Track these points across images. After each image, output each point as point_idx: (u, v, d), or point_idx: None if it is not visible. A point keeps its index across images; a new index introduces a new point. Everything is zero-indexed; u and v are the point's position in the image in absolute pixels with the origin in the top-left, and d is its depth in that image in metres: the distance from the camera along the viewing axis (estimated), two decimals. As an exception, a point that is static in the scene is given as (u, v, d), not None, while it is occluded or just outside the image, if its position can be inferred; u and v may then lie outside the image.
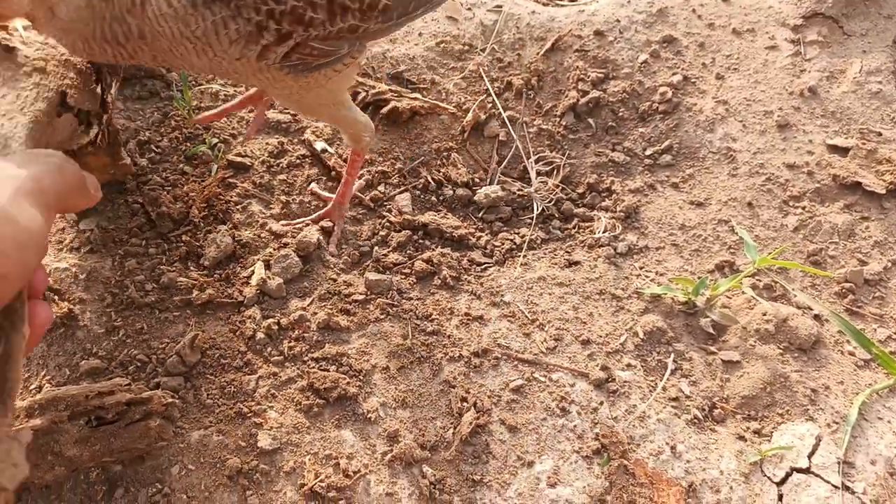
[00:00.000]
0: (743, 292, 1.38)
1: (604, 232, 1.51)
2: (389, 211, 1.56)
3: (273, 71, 1.08)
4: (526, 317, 1.39)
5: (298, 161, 1.62)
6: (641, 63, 1.73)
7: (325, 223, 1.52)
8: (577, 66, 1.74)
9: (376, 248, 1.50)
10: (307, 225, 1.53)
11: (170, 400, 1.21)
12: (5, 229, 0.51)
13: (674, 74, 1.72)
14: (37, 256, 0.58)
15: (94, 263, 1.42)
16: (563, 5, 1.93)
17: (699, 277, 1.41)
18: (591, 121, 1.68)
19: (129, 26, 0.94)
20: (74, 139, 0.98)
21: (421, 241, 1.52)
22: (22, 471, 0.60)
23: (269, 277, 1.41)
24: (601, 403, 1.25)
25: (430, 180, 1.61)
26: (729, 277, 1.37)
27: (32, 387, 1.29)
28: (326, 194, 1.56)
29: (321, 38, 1.09)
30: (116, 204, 1.54)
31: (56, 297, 1.36)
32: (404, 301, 1.42)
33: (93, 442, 1.13)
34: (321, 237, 1.49)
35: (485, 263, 1.49)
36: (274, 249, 1.48)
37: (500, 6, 1.84)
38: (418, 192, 1.59)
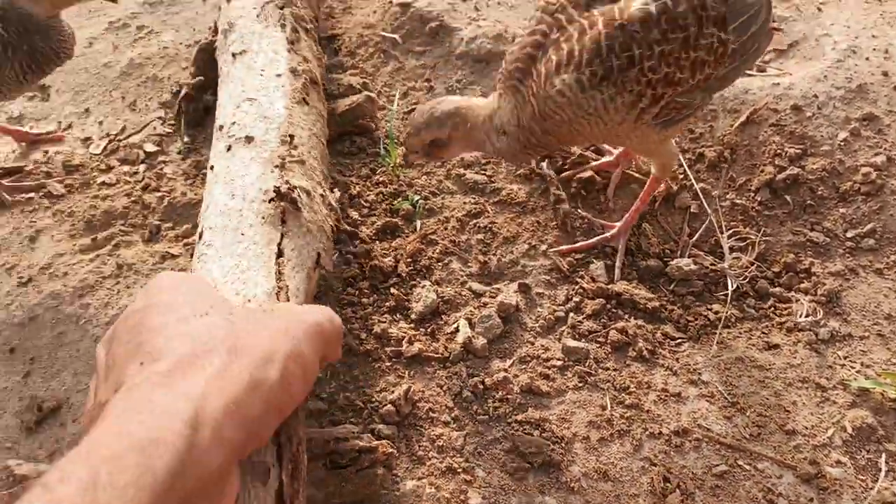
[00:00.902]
0: (960, 394, 1.34)
1: (805, 316, 1.50)
2: (582, 277, 1.62)
3: (644, 128, 1.35)
4: (726, 399, 1.40)
5: (496, 221, 1.71)
6: (841, 141, 1.72)
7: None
8: (774, 141, 1.74)
9: (571, 314, 1.55)
10: (589, 248, 1.63)
11: (391, 450, 1.31)
12: (297, 362, 0.65)
13: (876, 154, 1.69)
14: (309, 388, 0.72)
15: (315, 311, 1.56)
16: (752, 75, 1.93)
17: (909, 373, 1.38)
18: (787, 197, 1.68)
19: (535, 131, 1.35)
20: (313, 293, 1.19)
21: (614, 310, 1.57)
22: None
23: (474, 337, 1.50)
24: (811, 500, 1.25)
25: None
26: (946, 378, 1.34)
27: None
28: (604, 222, 1.67)
29: (684, 93, 1.32)
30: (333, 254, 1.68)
31: (284, 341, 1.50)
32: (601, 370, 1.46)
33: (327, 484, 1.24)
34: (520, 299, 1.57)
35: (679, 338, 1.52)
36: (475, 308, 1.56)
37: (694, 77, 1.86)
38: (610, 261, 1.64)
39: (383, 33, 2.09)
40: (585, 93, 1.25)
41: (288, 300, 1.00)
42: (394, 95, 1.98)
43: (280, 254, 1.06)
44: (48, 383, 1.58)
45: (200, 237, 1.17)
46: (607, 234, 1.64)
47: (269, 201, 1.14)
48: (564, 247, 1.64)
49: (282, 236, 1.10)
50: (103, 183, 1.90)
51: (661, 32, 1.23)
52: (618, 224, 1.64)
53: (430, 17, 2.07)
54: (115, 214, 1.81)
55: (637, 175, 1.75)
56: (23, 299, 1.69)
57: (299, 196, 1.17)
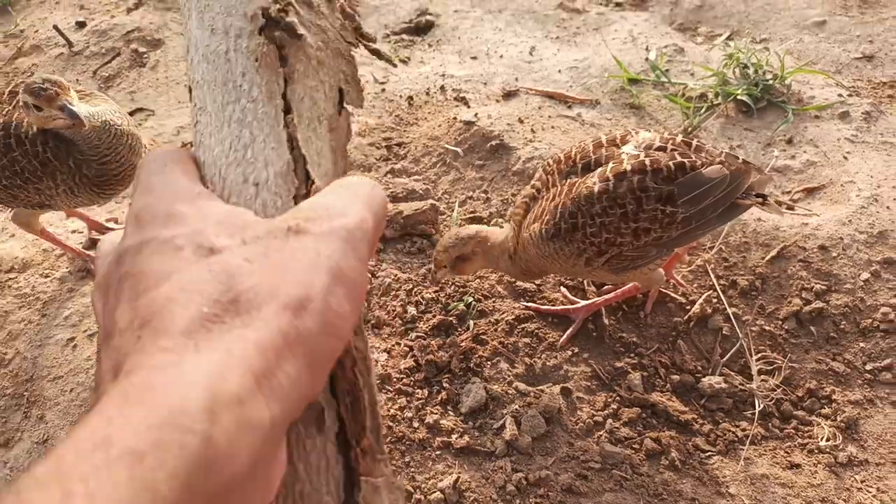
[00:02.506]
0: (972, 528, 1.45)
1: (826, 440, 1.62)
2: (620, 386, 1.76)
3: (598, 270, 1.62)
4: (750, 512, 1.51)
5: (541, 327, 1.86)
6: (863, 281, 1.88)
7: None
8: (801, 276, 1.90)
9: (609, 420, 1.68)
10: (552, 314, 1.87)
11: (440, 534, 1.43)
12: (342, 286, 0.49)
13: (895, 296, 1.84)
14: (362, 299, 0.54)
15: (375, 397, 1.70)
16: (782, 213, 2.11)
17: (923, 503, 1.49)
18: (812, 328, 1.83)
19: (523, 259, 1.66)
20: (349, 138, 0.87)
21: (649, 419, 1.70)
22: None
23: (519, 435, 1.63)
24: None
25: (659, 363, 1.79)
26: (958, 511, 1.45)
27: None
28: (574, 298, 1.89)
29: (632, 250, 1.56)
30: (388, 344, 1.84)
31: (345, 423, 1.64)
32: (636, 475, 1.58)
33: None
34: (562, 402, 1.70)
35: (709, 451, 1.64)
36: (520, 407, 1.70)
37: (729, 210, 2.05)
38: (646, 374, 1.78)
39: (447, 146, 2.31)
40: (543, 241, 1.57)
41: (308, 176, 0.70)
42: (453, 203, 2.19)
43: (288, 109, 0.77)
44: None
45: (191, 96, 0.83)
46: (569, 307, 1.86)
47: (260, 32, 0.81)
48: (532, 304, 1.89)
49: (286, 82, 0.79)
50: (184, 261, 2.08)
51: (602, 208, 1.52)
52: (583, 302, 1.86)
53: (491, 135, 2.30)
54: (193, 291, 1.99)
55: (673, 295, 1.91)
56: (105, 362, 1.84)
57: (297, 13, 0.83)
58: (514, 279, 1.94)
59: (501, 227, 1.83)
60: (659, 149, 1.55)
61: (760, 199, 1.60)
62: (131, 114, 2.64)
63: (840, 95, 2.41)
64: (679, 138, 1.60)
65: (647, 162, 1.51)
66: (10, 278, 2.08)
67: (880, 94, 2.46)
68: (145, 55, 2.85)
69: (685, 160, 1.52)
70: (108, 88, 2.77)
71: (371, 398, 0.56)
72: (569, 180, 1.59)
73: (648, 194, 1.49)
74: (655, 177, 1.50)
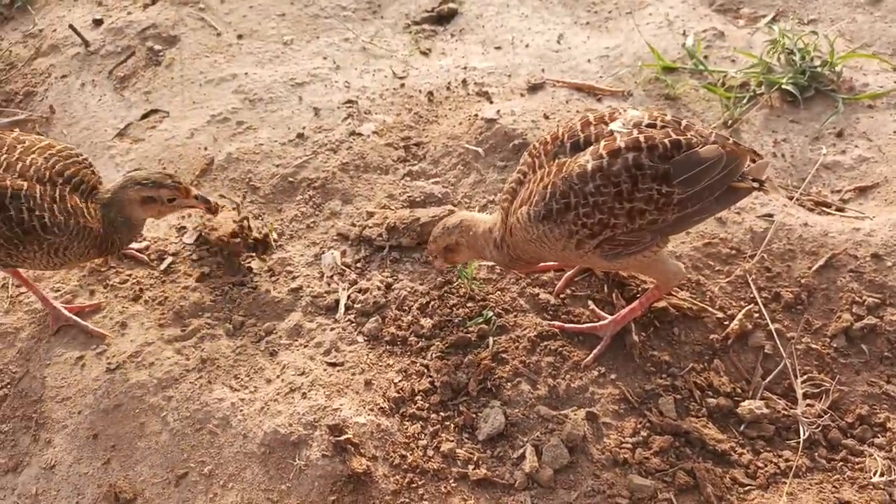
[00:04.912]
0: None
1: (879, 475, 1.48)
2: (651, 410, 1.63)
3: (591, 256, 1.52)
4: (794, 557, 1.38)
5: (566, 344, 1.74)
6: (922, 292, 1.71)
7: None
8: (852, 288, 1.74)
9: (639, 449, 1.56)
10: (577, 332, 1.74)
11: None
12: None
13: (959, 309, 1.67)
14: None
15: (387, 422, 1.61)
16: (831, 214, 1.95)
17: None
18: (864, 347, 1.67)
19: (510, 246, 1.58)
20: None
21: (682, 448, 1.57)
22: None
23: (540, 467, 1.51)
24: None
25: (694, 384, 1.66)
26: None
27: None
28: (602, 314, 1.77)
29: (626, 234, 1.46)
30: (402, 363, 1.73)
31: (355, 451, 1.55)
32: (666, 513, 1.46)
33: None
34: (587, 429, 1.58)
35: (748, 486, 1.51)
36: (541, 434, 1.58)
37: (772, 214, 1.89)
38: (679, 397, 1.64)
39: (467, 145, 2.19)
40: (532, 223, 1.50)
41: None
42: (473, 207, 2.06)
43: None
44: (126, 473, 1.65)
45: None
46: (596, 324, 1.74)
47: None
48: (556, 323, 1.77)
49: None
50: (200, 274, 2.01)
51: (595, 186, 1.42)
52: (609, 317, 1.73)
53: (514, 134, 2.16)
54: (202, 307, 1.91)
55: (710, 309, 1.77)
56: (109, 386, 1.78)
57: None
58: (504, 269, 1.85)
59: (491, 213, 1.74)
60: (649, 125, 1.46)
61: (758, 185, 1.50)
62: (146, 115, 2.59)
63: (897, 82, 2.21)
64: (668, 116, 1.49)
65: (642, 139, 1.42)
66: (21, 292, 2.03)
67: (942, 79, 2.24)
68: (161, 53, 2.77)
69: (681, 138, 1.42)
70: (123, 89, 2.70)
71: None
72: (557, 160, 1.50)
73: (644, 172, 1.40)
74: (651, 154, 1.41)
